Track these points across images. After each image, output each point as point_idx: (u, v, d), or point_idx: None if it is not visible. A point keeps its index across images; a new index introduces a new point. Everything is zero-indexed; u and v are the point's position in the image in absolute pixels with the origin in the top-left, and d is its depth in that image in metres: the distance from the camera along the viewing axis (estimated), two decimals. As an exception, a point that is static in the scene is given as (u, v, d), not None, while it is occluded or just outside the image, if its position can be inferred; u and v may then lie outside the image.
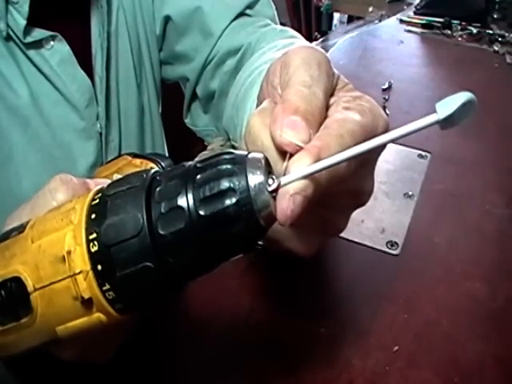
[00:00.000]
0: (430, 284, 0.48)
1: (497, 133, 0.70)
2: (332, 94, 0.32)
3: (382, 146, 0.29)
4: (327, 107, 0.31)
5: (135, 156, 0.45)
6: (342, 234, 0.52)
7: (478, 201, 0.59)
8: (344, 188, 0.31)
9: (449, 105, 0.23)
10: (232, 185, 0.25)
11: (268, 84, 0.33)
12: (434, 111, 0.23)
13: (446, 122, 0.23)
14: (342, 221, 0.34)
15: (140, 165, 0.44)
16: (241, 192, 0.25)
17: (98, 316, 0.27)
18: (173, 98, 0.76)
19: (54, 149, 0.56)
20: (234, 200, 0.24)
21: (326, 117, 0.30)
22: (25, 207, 0.31)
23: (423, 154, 0.66)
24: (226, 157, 0.26)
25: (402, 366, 0.41)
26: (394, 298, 0.46)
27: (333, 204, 0.32)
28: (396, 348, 0.42)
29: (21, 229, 0.29)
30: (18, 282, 0.27)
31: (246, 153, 0.26)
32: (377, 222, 0.55)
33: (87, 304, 0.26)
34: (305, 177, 0.26)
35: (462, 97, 0.23)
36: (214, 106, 0.68)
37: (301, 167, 0.26)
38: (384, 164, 0.62)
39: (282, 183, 0.26)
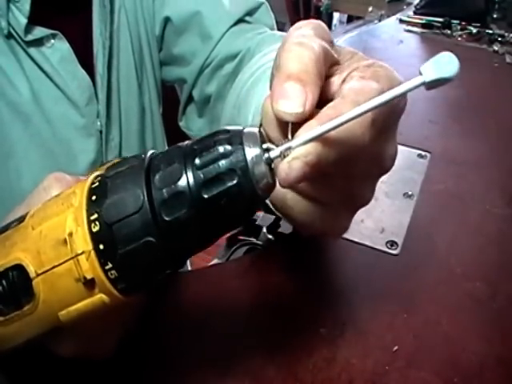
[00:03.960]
0: (430, 284, 0.48)
1: (497, 132, 0.70)
2: (338, 65, 0.31)
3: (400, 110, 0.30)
4: (332, 65, 0.30)
5: None
6: (342, 234, 0.53)
7: (478, 201, 0.59)
8: (364, 155, 0.30)
9: (433, 66, 0.24)
10: (232, 165, 0.25)
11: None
12: (419, 73, 0.24)
13: (432, 83, 0.24)
14: (368, 190, 0.33)
15: None
16: (241, 172, 0.25)
17: (100, 297, 0.27)
18: (174, 98, 0.76)
19: (54, 145, 0.57)
20: (234, 180, 0.25)
21: (331, 89, 0.30)
22: (19, 208, 0.31)
23: (423, 153, 0.66)
24: (223, 136, 0.26)
25: (401, 366, 0.41)
26: (393, 298, 0.46)
27: (355, 173, 0.31)
28: (396, 348, 0.42)
29: (21, 219, 0.29)
30: (19, 269, 0.27)
31: (241, 128, 0.27)
32: (376, 222, 0.55)
33: (90, 285, 0.26)
34: (305, 142, 0.26)
35: (444, 56, 0.24)
36: (209, 110, 0.69)
37: (305, 133, 0.26)
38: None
39: (282, 149, 0.26)
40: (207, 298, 0.46)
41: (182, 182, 0.25)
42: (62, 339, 0.30)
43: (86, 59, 0.57)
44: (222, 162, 0.25)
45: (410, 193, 0.59)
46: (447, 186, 0.61)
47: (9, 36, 0.51)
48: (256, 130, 0.27)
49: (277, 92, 0.27)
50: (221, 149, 0.25)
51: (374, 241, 0.52)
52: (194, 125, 0.73)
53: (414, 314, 0.45)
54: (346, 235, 0.53)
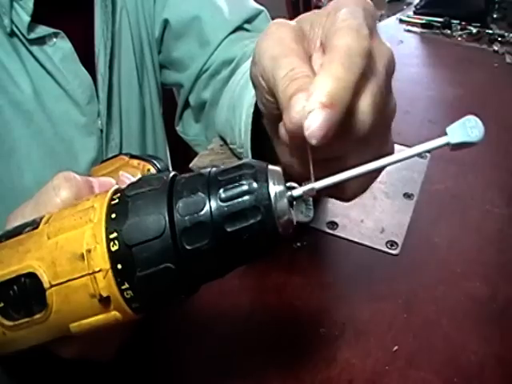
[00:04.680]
0: (429, 284, 0.48)
1: (497, 132, 0.70)
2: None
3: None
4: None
5: (132, 157, 0.46)
6: (342, 234, 0.53)
7: (477, 201, 0.59)
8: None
9: (459, 128, 0.25)
10: (256, 202, 0.25)
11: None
12: (445, 134, 0.25)
13: (456, 145, 0.25)
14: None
15: (137, 165, 0.45)
16: (265, 210, 0.26)
17: (114, 314, 0.27)
18: (174, 99, 0.76)
19: (55, 143, 0.57)
20: (258, 217, 0.25)
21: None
22: (27, 205, 0.31)
23: (423, 153, 0.66)
24: (248, 170, 0.26)
25: (401, 366, 0.41)
26: (393, 298, 0.46)
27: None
28: (396, 348, 0.42)
29: (34, 225, 0.29)
30: (32, 277, 0.27)
31: (265, 164, 0.27)
32: (376, 222, 0.55)
33: (104, 302, 0.27)
34: (328, 186, 0.27)
35: (470, 121, 0.25)
36: (205, 116, 0.69)
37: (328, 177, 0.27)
38: (384, 164, 0.62)
39: (305, 190, 0.27)
40: (207, 298, 0.46)
41: (206, 213, 0.26)
42: (64, 341, 0.30)
43: (87, 59, 0.58)
44: (247, 198, 0.25)
45: (409, 193, 0.59)
46: (447, 186, 0.61)
47: (12, 34, 0.52)
48: (279, 168, 0.28)
49: (285, 113, 0.27)
50: (246, 184, 0.26)
51: (374, 241, 0.52)
52: (191, 130, 0.73)
53: (414, 314, 0.45)
54: (345, 235, 0.53)
